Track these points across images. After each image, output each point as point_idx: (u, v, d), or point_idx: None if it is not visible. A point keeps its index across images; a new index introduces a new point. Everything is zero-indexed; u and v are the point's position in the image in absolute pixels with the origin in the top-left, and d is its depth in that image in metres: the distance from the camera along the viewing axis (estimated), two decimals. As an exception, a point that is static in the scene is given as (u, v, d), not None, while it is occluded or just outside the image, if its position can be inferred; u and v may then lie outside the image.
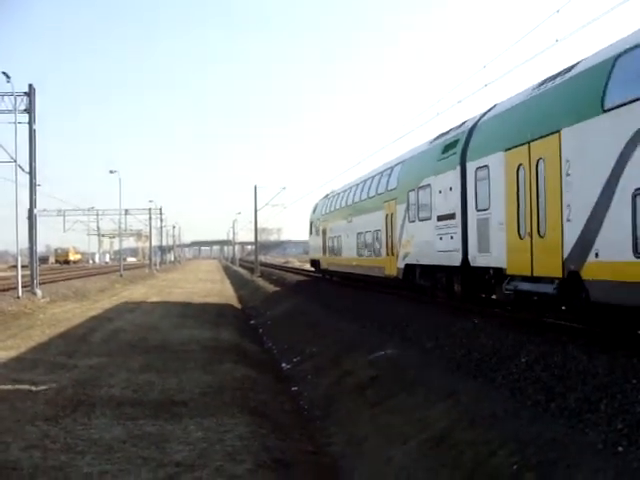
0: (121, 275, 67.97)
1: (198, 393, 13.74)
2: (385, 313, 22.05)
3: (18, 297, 33.36)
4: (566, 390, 9.73)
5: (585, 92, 13.34)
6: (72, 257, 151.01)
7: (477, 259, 18.62)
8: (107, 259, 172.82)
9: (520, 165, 15.82)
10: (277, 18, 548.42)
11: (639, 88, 11.39)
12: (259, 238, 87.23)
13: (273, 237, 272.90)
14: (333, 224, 40.38)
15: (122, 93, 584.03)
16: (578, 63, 14.48)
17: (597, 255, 12.57)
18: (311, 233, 49.20)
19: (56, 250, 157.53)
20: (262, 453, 9.93)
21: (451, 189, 20.43)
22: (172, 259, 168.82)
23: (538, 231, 15.00)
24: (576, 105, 13.60)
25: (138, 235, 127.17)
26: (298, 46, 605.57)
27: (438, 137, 23.33)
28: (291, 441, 11.50)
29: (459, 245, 19.72)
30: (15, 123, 34.91)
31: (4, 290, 39.48)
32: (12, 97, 35.41)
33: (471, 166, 18.93)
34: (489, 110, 19.49)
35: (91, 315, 30.07)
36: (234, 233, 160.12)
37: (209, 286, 58.82)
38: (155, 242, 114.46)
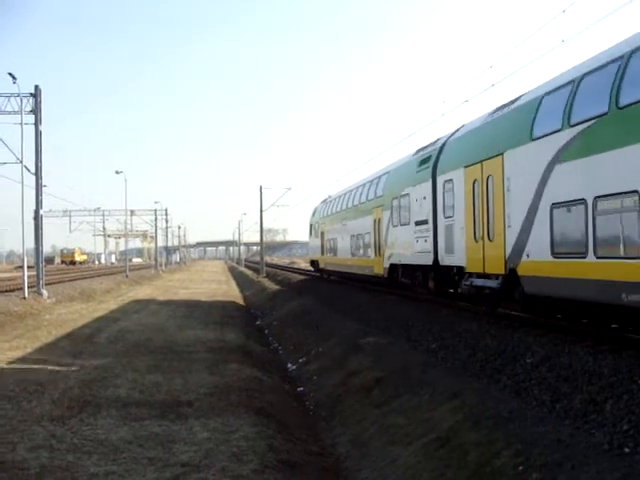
0: (127, 276, 68.03)
1: (204, 394, 13.75)
2: (389, 314, 22.09)
3: (24, 298, 33.43)
4: (572, 391, 9.73)
5: (520, 123, 16.47)
6: (78, 258, 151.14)
7: (445, 259, 21.62)
8: (113, 260, 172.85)
9: (475, 180, 18.92)
10: (283, 18, 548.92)
11: (557, 123, 14.42)
12: (265, 239, 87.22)
13: (279, 238, 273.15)
14: (330, 227, 43.32)
15: (128, 95, 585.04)
16: (520, 97, 17.68)
17: (528, 256, 15.72)
18: (310, 235, 52.14)
19: (62, 251, 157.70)
20: (268, 454, 9.93)
21: (425, 198, 23.51)
22: (178, 260, 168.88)
23: (488, 236, 18.08)
24: (514, 133, 16.73)
25: (144, 236, 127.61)
26: (303, 46, 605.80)
27: (418, 151, 26.42)
28: (297, 442, 11.50)
29: (431, 247, 22.72)
30: (21, 124, 35.02)
31: (10, 290, 39.62)
32: (18, 98, 35.51)
33: (440, 179, 22.03)
34: (456, 131, 22.50)
35: (97, 316, 30.15)
36: (239, 234, 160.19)
37: (215, 287, 58.87)
38: (161, 243, 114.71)
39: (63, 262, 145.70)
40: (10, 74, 33.92)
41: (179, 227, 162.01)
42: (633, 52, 12.62)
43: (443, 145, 22.77)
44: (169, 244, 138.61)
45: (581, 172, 13.63)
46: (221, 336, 23.47)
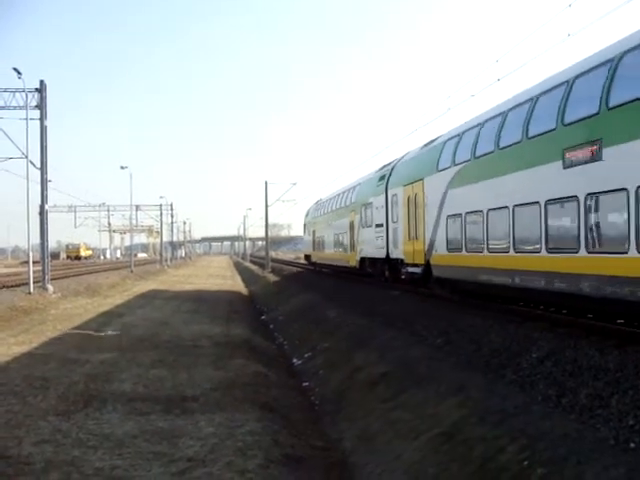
0: (132, 271, 68.06)
1: (209, 388, 13.76)
2: (394, 309, 22.09)
3: (30, 293, 33.51)
4: (577, 386, 9.71)
5: (432, 158, 23.81)
6: (83, 253, 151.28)
7: (393, 253, 29.00)
8: (118, 255, 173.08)
9: (409, 196, 26.27)
10: (285, 16, 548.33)
11: (449, 162, 21.76)
12: (270, 234, 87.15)
13: (284, 233, 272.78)
14: (319, 226, 50.63)
15: (133, 90, 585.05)
16: (437, 138, 25.05)
17: (436, 250, 22.88)
18: (304, 233, 60.27)
19: (67, 246, 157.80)
20: (273, 448, 9.94)
21: (382, 207, 30.58)
22: (183, 255, 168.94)
23: (416, 236, 25.28)
24: (429, 165, 24.05)
25: (149, 231, 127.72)
26: (307, 41, 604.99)
27: (380, 168, 33.84)
28: (302, 436, 11.51)
29: (384, 244, 30.05)
30: (27, 119, 35.03)
31: (16, 286, 39.65)
32: (23, 93, 35.52)
33: (390, 193, 29.37)
34: (403, 156, 29.99)
35: (102, 310, 30.18)
36: (245, 229, 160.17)
37: (220, 282, 58.89)
38: (166, 238, 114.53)
39: (68, 257, 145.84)
40: (15, 69, 33.92)
41: (184, 222, 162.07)
42: (486, 121, 19.72)
43: (393, 167, 30.19)
44: (174, 239, 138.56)
45: (459, 195, 20.97)
46: (226, 331, 23.47)
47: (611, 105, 13.20)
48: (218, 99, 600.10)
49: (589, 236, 13.69)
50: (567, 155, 14.67)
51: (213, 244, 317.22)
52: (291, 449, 10.25)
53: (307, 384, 16.77)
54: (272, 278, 57.27)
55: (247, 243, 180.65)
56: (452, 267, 21.43)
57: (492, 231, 18.43)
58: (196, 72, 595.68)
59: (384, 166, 32.92)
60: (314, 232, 52.78)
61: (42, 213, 37.03)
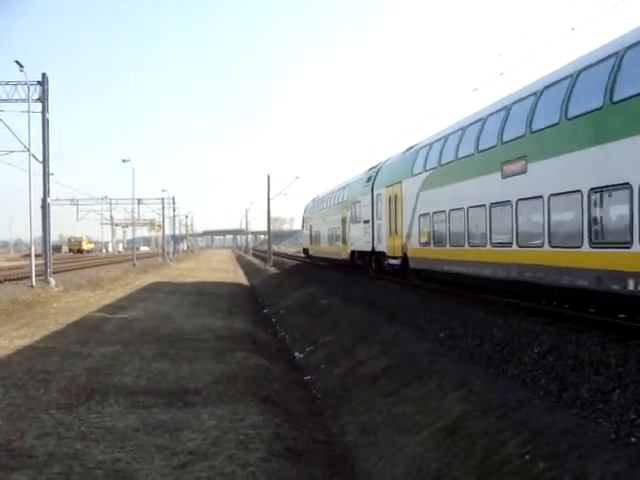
0: (134, 264, 68.09)
1: (211, 382, 13.78)
2: (396, 302, 22.10)
3: (32, 286, 33.52)
4: (579, 380, 9.72)
5: (409, 163, 27.32)
6: (85, 246, 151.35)
7: (377, 247, 32.56)
8: (120, 248, 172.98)
9: (390, 196, 29.72)
10: (291, 5, 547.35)
11: (421, 168, 25.24)
12: (272, 227, 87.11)
13: (286, 227, 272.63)
14: (315, 221, 54.31)
15: (134, 83, 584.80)
16: (414, 145, 28.39)
17: (411, 245, 26.46)
18: (302, 227, 65.10)
19: (69, 239, 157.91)
20: (275, 442, 9.96)
21: (368, 205, 34.12)
22: (185, 248, 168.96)
23: (395, 231, 28.78)
24: (406, 169, 27.60)
25: (151, 224, 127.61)
26: (310, 33, 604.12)
27: (368, 170, 37.25)
28: (304, 430, 11.53)
29: (370, 238, 33.60)
30: (29, 112, 35.00)
31: (18, 279, 39.71)
32: (25, 86, 35.48)
33: (375, 193, 32.93)
34: (387, 159, 33.54)
35: (104, 304, 30.20)
36: (247, 222, 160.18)
37: (222, 275, 58.93)
38: (168, 231, 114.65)
39: (70, 250, 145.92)
40: (17, 62, 33.86)
41: (186, 216, 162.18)
42: (450, 134, 23.09)
43: (378, 170, 33.76)
44: (176, 233, 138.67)
45: (428, 197, 24.55)
46: (228, 324, 23.50)
47: (533, 129, 16.73)
48: (220, 91, 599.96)
49: (520, 233, 17.28)
50: (505, 168, 18.13)
51: (215, 238, 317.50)
52: (293, 442, 10.27)
53: (309, 377, 16.79)
54: (274, 272, 57.30)
55: (249, 237, 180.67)
56: (424, 259, 25.24)
57: (452, 228, 22.03)
58: (198, 63, 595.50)
59: (371, 168, 36.69)
60: (311, 227, 56.72)
61: (44, 206, 37.04)
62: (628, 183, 12.63)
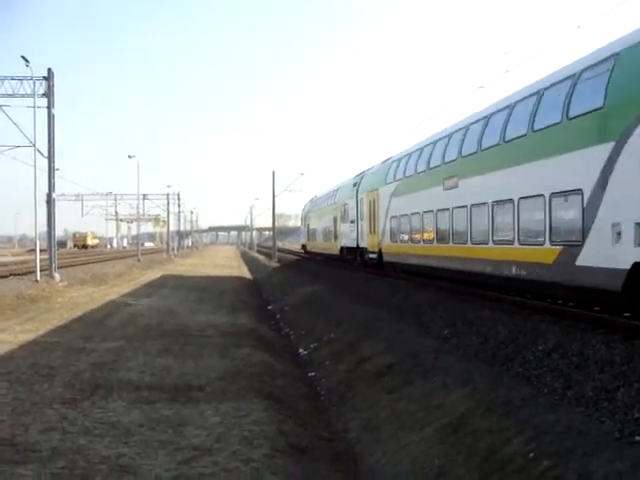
0: (139, 260, 68.17)
1: (215, 378, 13.79)
2: (400, 300, 22.06)
3: (36, 281, 33.59)
4: (583, 378, 9.69)
5: (383, 173, 32.79)
6: (90, 241, 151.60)
7: (361, 243, 37.82)
8: (125, 244, 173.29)
9: (369, 200, 35.15)
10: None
11: (392, 178, 30.22)
12: (277, 224, 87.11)
13: (291, 223, 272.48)
14: (312, 220, 60.34)
15: (140, 79, 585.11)
16: (389, 158, 33.79)
17: (385, 242, 31.43)
18: (301, 225, 72.33)
19: (74, 234, 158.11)
20: (278, 438, 9.96)
21: (354, 207, 39.59)
22: (189, 244, 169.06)
23: (374, 230, 33.92)
24: (381, 178, 32.84)
25: (156, 220, 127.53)
26: (310, 25, 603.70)
27: (356, 176, 42.11)
28: (307, 426, 11.53)
29: (356, 236, 38.90)
30: (34, 107, 35.03)
31: (23, 274, 39.75)
32: (31, 81, 35.50)
33: (359, 197, 38.25)
34: (370, 168, 38.59)
35: (109, 299, 30.25)
36: (252, 219, 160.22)
37: (227, 271, 58.99)
38: (173, 227, 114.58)
39: (75, 246, 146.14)
40: (23, 57, 33.92)
41: (191, 212, 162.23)
42: (412, 152, 28.52)
43: (362, 177, 39.11)
44: (181, 229, 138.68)
45: (397, 202, 29.79)
46: (233, 321, 23.52)
47: (463, 154, 21.78)
48: (223, 85, 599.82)
49: (455, 233, 22.43)
50: (445, 182, 23.23)
51: (220, 234, 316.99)
52: (297, 439, 10.27)
53: (313, 374, 16.79)
54: (278, 268, 57.29)
55: (254, 233, 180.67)
56: (394, 253, 30.77)
57: (412, 229, 27.47)
58: (199, 57, 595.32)
59: (357, 175, 41.93)
60: (308, 225, 63.38)
61: (49, 201, 37.06)
62: (511, 199, 17.95)
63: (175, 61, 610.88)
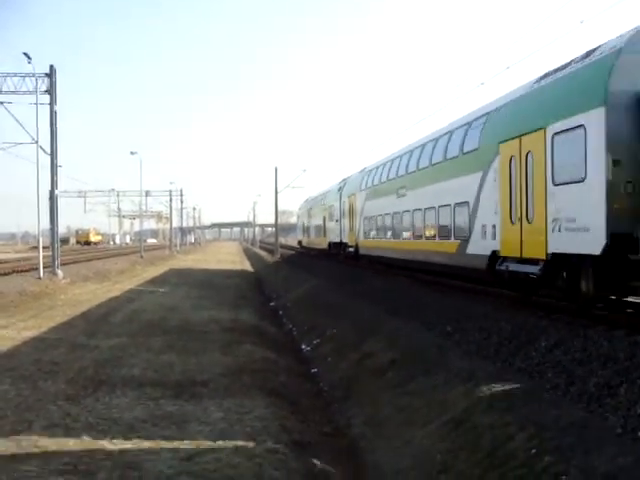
0: (141, 256, 68.27)
1: (218, 374, 13.81)
2: (403, 296, 22.09)
3: (39, 278, 33.67)
4: (586, 374, 9.70)
5: (359, 181, 39.41)
6: (93, 238, 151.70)
7: (343, 239, 43.89)
8: (127, 240, 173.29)
9: (349, 203, 41.23)
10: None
11: (365, 186, 37.27)
12: (279, 220, 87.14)
13: (293, 219, 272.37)
14: (306, 218, 66.99)
15: (142, 75, 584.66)
16: (365, 168, 39.63)
17: (360, 238, 37.99)
18: (297, 222, 79.50)
19: (77, 231, 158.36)
20: (281, 434, 9.98)
21: (338, 208, 46.04)
22: (192, 241, 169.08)
23: (352, 228, 40.03)
24: (357, 185, 39.56)
25: (158, 216, 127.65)
26: (317, 24, 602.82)
27: (341, 181, 48.36)
28: (310, 422, 11.55)
29: (339, 233, 45.29)
30: (36, 104, 35.07)
31: (26, 271, 39.86)
32: (33, 78, 35.53)
33: (342, 200, 44.41)
34: (351, 175, 45.19)
35: (112, 296, 30.27)
36: (254, 215, 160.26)
37: (229, 268, 58.99)
38: (175, 224, 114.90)
39: (78, 242, 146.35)
40: (25, 54, 33.96)
41: (194, 208, 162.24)
42: (378, 167, 35.04)
43: (345, 182, 45.77)
44: (184, 225, 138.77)
45: (368, 206, 35.83)
46: (235, 317, 23.53)
47: (408, 171, 28.01)
48: (229, 85, 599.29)
49: (403, 231, 28.55)
50: (398, 192, 29.37)
51: (222, 230, 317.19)
52: (299, 435, 10.29)
53: (315, 370, 16.81)
54: (281, 264, 57.32)
55: (256, 229, 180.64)
56: (366, 247, 37.25)
57: (378, 227, 33.73)
58: (201, 52, 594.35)
59: (342, 180, 48.43)
60: (303, 223, 70.64)
61: (52, 198, 37.14)
62: (434, 206, 24.09)
63: (177, 57, 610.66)
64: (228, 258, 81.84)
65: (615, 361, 9.95)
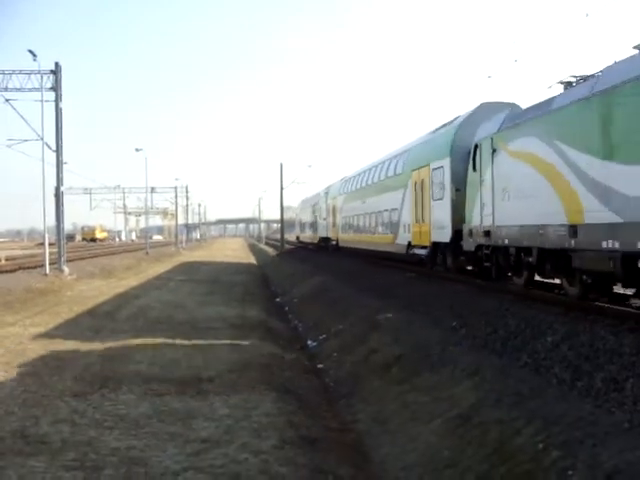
0: (147, 253, 68.36)
1: (224, 370, 13.81)
2: (408, 291, 22.06)
3: (45, 274, 33.73)
4: (593, 369, 9.68)
5: (340, 187, 50.61)
6: (98, 235, 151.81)
7: (328, 234, 54.62)
8: (133, 237, 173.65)
9: (333, 204, 52.33)
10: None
11: (344, 191, 48.45)
12: (285, 216, 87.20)
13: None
14: (302, 216, 78.69)
15: (148, 72, 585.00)
16: (345, 176, 50.84)
17: (340, 233, 49.04)
18: (295, 220, 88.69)
19: (83, 228, 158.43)
20: (288, 430, 9.97)
21: (324, 209, 56.91)
22: (198, 237, 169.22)
23: (334, 225, 51.66)
24: (338, 190, 50.81)
25: (164, 213, 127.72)
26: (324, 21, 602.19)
27: (328, 187, 57.78)
28: (316, 418, 11.54)
29: (326, 229, 55.72)
30: (42, 101, 35.12)
31: (32, 267, 39.92)
32: (39, 75, 35.56)
33: (328, 201, 55.01)
34: (334, 182, 55.09)
35: (117, 292, 30.31)
36: (260, 211, 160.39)
37: (235, 264, 59.04)
38: (181, 220, 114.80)
39: (84, 239, 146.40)
40: (30, 51, 33.98)
41: (199, 204, 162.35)
42: (352, 177, 46.72)
43: (329, 187, 56.11)
44: (189, 221, 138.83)
45: (346, 208, 46.14)
46: (241, 313, 23.54)
47: (367, 184, 38.88)
48: (234, 81, 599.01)
49: (365, 228, 38.35)
50: (362, 198, 39.73)
51: (228, 226, 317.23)
52: (306, 430, 10.29)
53: (322, 366, 16.81)
54: (287, 260, 57.35)
55: (262, 225, 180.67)
56: (344, 240, 47.39)
57: (352, 225, 43.31)
58: (206, 47, 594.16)
59: (328, 186, 58.08)
60: (300, 220, 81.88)
61: (57, 195, 37.18)
62: (380, 211, 34.48)
63: (182, 52, 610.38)
64: (234, 254, 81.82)
65: (621, 356, 9.93)
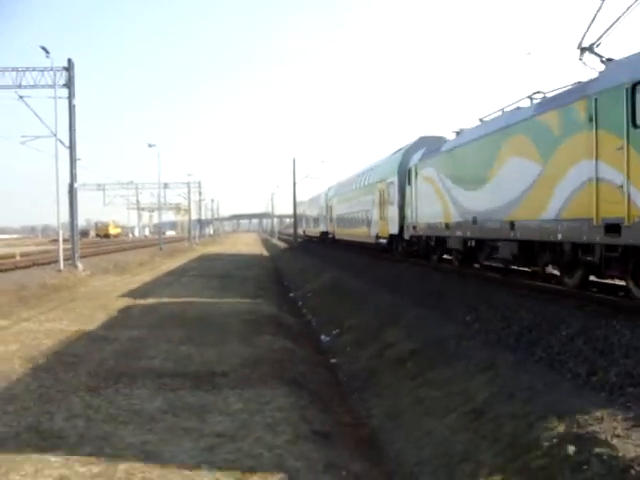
0: (161, 248, 68.55)
1: (237, 365, 13.83)
2: (422, 285, 21.98)
3: (59, 270, 33.88)
4: (608, 364, 9.61)
5: (335, 190, 60.31)
6: (112, 231, 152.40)
7: (326, 229, 63.76)
8: (146, 233, 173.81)
9: (330, 204, 61.26)
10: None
11: (337, 193, 58.22)
12: (297, 211, 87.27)
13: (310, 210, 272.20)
14: (308, 212, 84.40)
15: (160, 68, 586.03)
16: (339, 181, 62.37)
17: (335, 227, 58.33)
18: (302, 216, 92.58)
19: (96, 224, 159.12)
20: (301, 424, 9.98)
21: (325, 207, 64.59)
22: (211, 232, 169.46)
23: (332, 221, 60.23)
24: (334, 192, 60.47)
25: (177, 209, 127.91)
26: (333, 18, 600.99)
27: (328, 188, 65.76)
28: (330, 413, 11.56)
29: (325, 224, 64.66)
30: (55, 98, 35.24)
31: (46, 263, 40.09)
32: (52, 72, 35.69)
33: (327, 202, 63.23)
34: (333, 185, 64.30)
35: (131, 288, 30.41)
36: (272, 206, 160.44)
37: (248, 258, 59.12)
38: (194, 216, 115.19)
39: (97, 235, 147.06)
40: (43, 48, 34.12)
41: (212, 200, 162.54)
42: (343, 181, 58.80)
43: (329, 189, 64.19)
44: (202, 217, 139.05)
45: (339, 207, 55.35)
46: (254, 308, 23.54)
47: (354, 188, 48.26)
48: (248, 77, 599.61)
49: (352, 223, 47.46)
50: (350, 200, 48.85)
51: (241, 221, 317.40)
52: (319, 425, 10.29)
53: (335, 360, 16.81)
54: (300, 255, 57.40)
55: (275, 220, 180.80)
56: (338, 234, 55.19)
57: (344, 220, 51.36)
58: (217, 44, 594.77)
59: (328, 187, 65.74)
60: (305, 216, 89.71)
61: (71, 191, 37.33)
62: (361, 210, 44.12)
63: (193, 48, 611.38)
64: (247, 249, 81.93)
65: (637, 350, 9.86)
